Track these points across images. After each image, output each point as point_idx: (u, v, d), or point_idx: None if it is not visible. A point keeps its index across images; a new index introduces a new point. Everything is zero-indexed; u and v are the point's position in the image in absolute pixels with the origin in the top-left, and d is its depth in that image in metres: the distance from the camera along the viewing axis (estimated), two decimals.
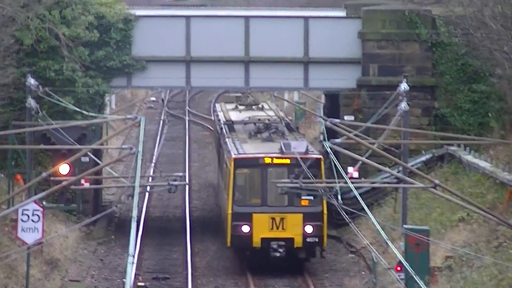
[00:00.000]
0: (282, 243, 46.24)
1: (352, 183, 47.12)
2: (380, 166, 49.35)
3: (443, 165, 66.42)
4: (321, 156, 47.43)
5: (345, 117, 64.37)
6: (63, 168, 50.58)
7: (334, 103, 74.03)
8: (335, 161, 48.40)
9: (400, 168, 50.66)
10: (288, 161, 46.36)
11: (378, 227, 40.42)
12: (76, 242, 63.49)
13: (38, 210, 49.59)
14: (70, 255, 61.26)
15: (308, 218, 46.89)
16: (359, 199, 44.30)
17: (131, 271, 34.11)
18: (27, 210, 49.37)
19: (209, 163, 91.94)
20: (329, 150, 47.74)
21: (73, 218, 64.28)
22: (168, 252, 64.15)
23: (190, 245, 64.18)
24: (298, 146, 47.14)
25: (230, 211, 46.83)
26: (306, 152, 46.97)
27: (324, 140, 53.99)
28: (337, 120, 60.51)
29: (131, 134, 77.44)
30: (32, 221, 49.64)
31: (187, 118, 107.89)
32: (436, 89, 69.61)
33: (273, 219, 46.27)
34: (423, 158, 65.72)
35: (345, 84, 69.75)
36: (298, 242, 46.38)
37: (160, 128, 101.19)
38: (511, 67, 57.65)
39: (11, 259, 50.87)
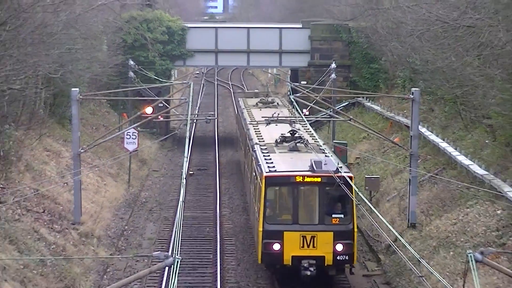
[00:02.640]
0: (313, 261, 31.45)
1: (306, 117, 46.73)
2: (321, 108, 49.37)
3: (354, 108, 66.23)
4: (352, 175, 32.98)
5: (302, 82, 64.26)
6: (148, 110, 50.93)
7: (295, 74, 73.66)
8: (296, 106, 47.94)
9: (331, 110, 49.86)
10: (319, 179, 31.68)
11: (320, 141, 39.99)
12: (156, 149, 63.95)
13: (135, 132, 49.98)
14: (153, 157, 61.75)
15: (338, 236, 31.83)
16: (308, 126, 43.57)
17: (186, 165, 34.00)
18: (129, 132, 49.65)
19: (228, 107, 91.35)
20: (293, 100, 47.25)
21: (154, 137, 64.32)
22: (205, 155, 64.31)
23: (217, 151, 64.47)
24: (329, 164, 32.12)
25: (261, 229, 32.11)
26: (337, 170, 32.01)
27: (290, 94, 53.57)
28: (297, 83, 60.74)
29: (186, 91, 77.75)
30: (132, 138, 49.98)
31: (216, 82, 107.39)
32: (351, 67, 68.58)
33: (304, 237, 31.46)
34: (344, 104, 65.27)
35: (301, 64, 69.26)
36: (329, 260, 31.73)
37: (201, 88, 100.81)
38: (391, 55, 57.46)
39: (120, 159, 51.01)
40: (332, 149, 44.68)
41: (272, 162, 33.98)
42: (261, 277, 34.22)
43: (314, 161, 31.93)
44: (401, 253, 27.17)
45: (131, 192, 50.21)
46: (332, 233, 31.64)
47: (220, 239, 40.38)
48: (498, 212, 34.01)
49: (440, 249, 34.02)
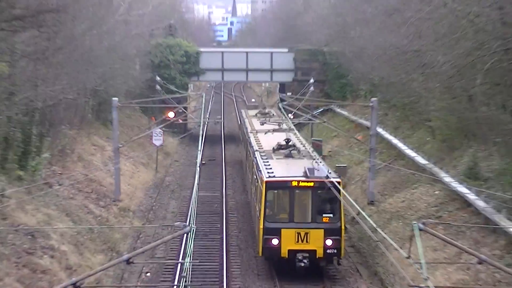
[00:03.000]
0: (306, 254, 28.89)
1: (291, 120, 46.69)
2: (302, 114, 48.88)
3: (328, 113, 65.14)
4: (340, 180, 29.35)
5: (288, 94, 64.03)
6: (171, 114, 50.91)
7: (283, 87, 73.32)
8: (283, 112, 47.93)
9: (310, 115, 49.60)
10: (312, 184, 28.84)
11: (301, 138, 39.97)
12: (176, 145, 63.47)
13: (161, 132, 49.60)
14: (174, 150, 61.36)
15: (328, 233, 28.92)
16: (292, 127, 43.40)
17: (199, 156, 34.06)
18: (156, 131, 49.37)
19: (231, 112, 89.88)
20: (281, 107, 47.25)
21: (175, 135, 63.89)
22: (214, 149, 63.82)
23: (224, 145, 64.14)
24: (321, 171, 29.13)
25: (262, 226, 29.34)
26: (327, 176, 28.97)
27: (279, 103, 53.55)
28: (284, 94, 60.55)
29: (199, 100, 77.64)
30: (158, 136, 49.61)
31: (222, 94, 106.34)
32: (325, 81, 67.52)
33: (298, 233, 28.82)
34: (319, 110, 63.56)
35: (287, 79, 68.75)
36: (320, 253, 28.98)
37: (211, 97, 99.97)
38: (356, 73, 57.17)
39: (149, 152, 50.96)
40: (311, 146, 43.96)
41: (271, 168, 30.66)
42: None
43: (307, 168, 29.01)
44: (363, 223, 27.27)
45: (158, 177, 50.13)
46: (323, 230, 28.92)
47: (225, 213, 40.54)
48: (436, 192, 34.31)
49: (392, 220, 34.19)
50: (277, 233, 29.08)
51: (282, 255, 29.18)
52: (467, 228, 28.36)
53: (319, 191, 29.29)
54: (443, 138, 39.71)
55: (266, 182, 29.40)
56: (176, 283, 28.10)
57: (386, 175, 41.77)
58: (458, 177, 32.85)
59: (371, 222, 23.82)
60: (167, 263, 31.82)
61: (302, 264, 28.81)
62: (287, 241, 29.09)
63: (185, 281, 19.58)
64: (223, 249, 33.70)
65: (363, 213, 26.32)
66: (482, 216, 28.48)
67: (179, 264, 30.50)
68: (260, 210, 29.84)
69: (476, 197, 29.64)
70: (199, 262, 30.38)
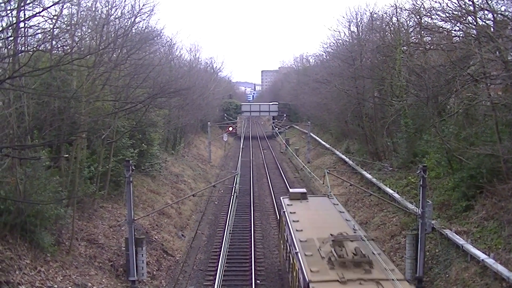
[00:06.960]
0: None
1: (278, 130, 45.22)
2: (280, 127, 46.94)
3: (291, 128, 58.43)
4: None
5: (275, 120, 60.06)
6: (230, 128, 49.51)
7: (273, 118, 66.64)
8: (275, 128, 46.91)
9: (284, 128, 47.25)
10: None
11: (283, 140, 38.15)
12: (232, 140, 58.59)
13: (226, 135, 48.15)
14: (231, 142, 56.94)
15: None
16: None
17: (241, 144, 33.87)
18: (225, 136, 47.96)
19: (255, 127, 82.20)
20: (273, 126, 46.12)
21: (232, 136, 59.31)
22: (248, 142, 57.97)
23: (251, 139, 60.60)
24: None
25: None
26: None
27: (273, 124, 51.95)
28: (274, 121, 57.37)
29: (242, 122, 75.32)
30: (225, 137, 47.95)
31: (250, 119, 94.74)
32: (290, 115, 60.64)
33: None
34: (287, 126, 56.23)
35: (275, 114, 64.17)
36: None
37: (245, 122, 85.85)
38: (302, 112, 52.58)
39: (222, 143, 49.16)
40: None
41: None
42: (269, 202, 24.88)
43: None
44: (305, 171, 26.72)
45: (225, 153, 48.35)
46: None
47: (252, 168, 37.86)
48: (333, 158, 33.41)
49: (317, 169, 33.62)
50: None
51: None
52: (345, 171, 27.77)
53: None
54: (335, 136, 39.12)
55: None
56: (233, 193, 27.83)
57: (314, 151, 40.72)
58: (341, 152, 32.34)
59: (308, 170, 23.41)
60: (229, 186, 31.13)
61: None
62: None
63: (236, 194, 19.70)
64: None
65: (305, 166, 26.08)
66: (351, 166, 27.99)
67: (234, 187, 30.12)
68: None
69: (348, 159, 29.14)
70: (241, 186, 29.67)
